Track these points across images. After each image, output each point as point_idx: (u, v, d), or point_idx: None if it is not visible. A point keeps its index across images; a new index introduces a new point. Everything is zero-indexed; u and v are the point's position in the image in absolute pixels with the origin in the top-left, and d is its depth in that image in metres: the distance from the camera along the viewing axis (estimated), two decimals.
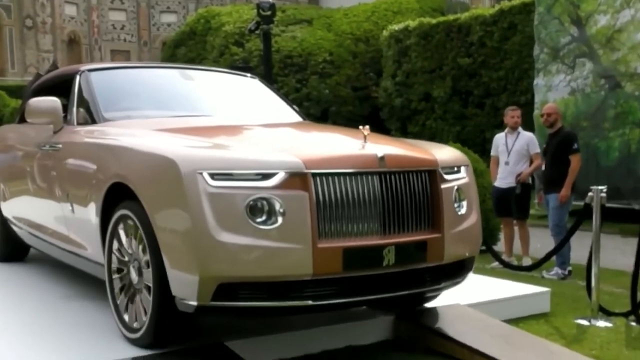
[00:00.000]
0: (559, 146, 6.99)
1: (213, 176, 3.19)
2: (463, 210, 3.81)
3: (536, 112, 11.13)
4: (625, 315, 4.87)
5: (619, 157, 10.30)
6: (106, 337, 3.78)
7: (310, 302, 3.28)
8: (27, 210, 5.28)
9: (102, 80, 4.83)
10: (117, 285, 3.77)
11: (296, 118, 5.21)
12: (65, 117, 4.73)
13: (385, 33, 17.37)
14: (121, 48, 35.52)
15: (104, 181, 3.82)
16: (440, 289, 3.85)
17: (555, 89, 11.28)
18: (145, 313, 3.51)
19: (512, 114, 7.64)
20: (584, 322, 4.81)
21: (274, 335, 3.79)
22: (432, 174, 3.63)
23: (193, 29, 22.12)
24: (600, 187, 5.06)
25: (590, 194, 5.05)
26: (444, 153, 3.98)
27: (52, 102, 4.61)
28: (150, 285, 3.44)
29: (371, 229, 3.38)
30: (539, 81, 11.68)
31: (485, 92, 14.80)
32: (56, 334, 3.88)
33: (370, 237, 3.37)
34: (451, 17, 16.17)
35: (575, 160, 6.84)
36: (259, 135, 4.20)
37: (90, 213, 4.01)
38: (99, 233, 3.91)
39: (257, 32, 13.65)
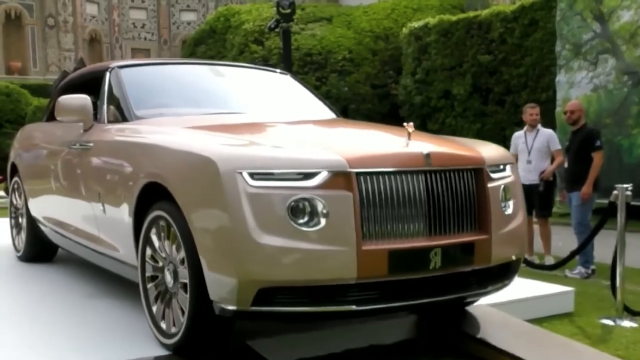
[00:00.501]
0: (581, 143, 6.93)
1: (253, 176, 3.08)
2: (510, 210, 3.67)
3: (558, 110, 11.05)
4: None
5: None
6: (127, 335, 3.80)
7: (354, 307, 3.16)
8: (56, 211, 5.22)
9: (132, 77, 4.74)
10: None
11: (330, 114, 5.10)
12: (95, 115, 4.66)
13: (404, 30, 17.28)
14: (141, 47, 35.74)
15: (137, 181, 3.72)
16: (487, 293, 3.70)
17: (577, 85, 11.18)
18: (183, 314, 3.40)
19: (530, 112, 7.60)
20: (609, 322, 4.77)
21: (297, 334, 3.79)
22: (478, 173, 3.52)
23: (213, 27, 22.17)
24: (625, 185, 5.01)
25: (615, 192, 5.00)
26: (489, 151, 3.86)
27: (83, 99, 4.53)
28: (187, 285, 3.34)
29: (417, 230, 3.26)
30: (561, 78, 11.58)
31: (505, 90, 14.68)
32: (78, 332, 3.89)
33: (416, 239, 3.25)
34: (471, 13, 16.04)
35: (597, 158, 6.79)
36: (298, 133, 4.07)
37: (123, 213, 3.91)
38: (132, 234, 3.82)
39: (276, 30, 13.64)
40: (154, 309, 3.66)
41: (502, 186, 3.65)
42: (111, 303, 4.50)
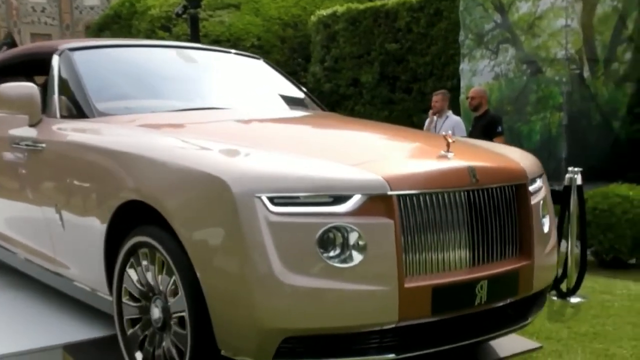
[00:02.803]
0: (484, 129, 7.23)
1: (273, 200, 2.53)
2: (547, 228, 3.24)
3: (462, 97, 11.39)
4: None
5: (540, 140, 10.66)
6: (34, 325, 3.71)
7: (392, 356, 2.67)
8: None
9: (89, 62, 4.00)
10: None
11: (316, 109, 4.55)
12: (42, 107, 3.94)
13: (313, 18, 17.37)
14: (42, 32, 34.40)
15: (112, 197, 3.08)
16: (526, 325, 3.23)
17: (480, 73, 11.55)
18: (181, 356, 2.80)
19: (434, 99, 7.96)
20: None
21: None
22: (521, 189, 3.06)
23: (118, 12, 21.58)
24: (576, 169, 5.18)
25: (567, 175, 5.17)
26: (525, 160, 3.39)
27: (29, 89, 3.79)
28: (184, 319, 2.74)
29: (460, 260, 2.79)
30: (464, 66, 11.93)
31: (412, 78, 15.00)
32: None
33: (459, 271, 2.78)
34: (378, 2, 16.28)
35: (499, 143, 7.07)
36: (314, 140, 3.44)
37: (90, 235, 3.25)
38: (102, 261, 3.18)
39: (184, 16, 13.48)
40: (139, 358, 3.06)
41: (541, 202, 3.23)
42: (16, 295, 4.37)
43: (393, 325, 2.61)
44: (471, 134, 7.46)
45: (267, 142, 3.19)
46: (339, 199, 2.57)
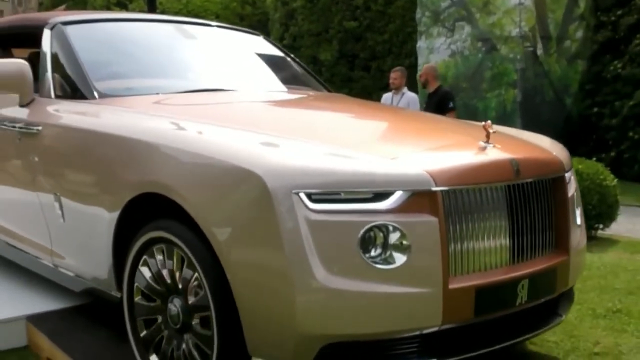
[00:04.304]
0: (436, 105, 7.43)
1: (310, 197, 2.32)
2: (579, 220, 3.10)
3: (419, 74, 11.57)
4: None
5: (496, 117, 10.87)
6: (0, 297, 3.71)
7: None
8: None
9: (85, 38, 3.70)
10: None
11: (322, 89, 4.38)
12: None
13: None
14: None
15: (124, 189, 2.83)
16: (560, 322, 3.05)
17: (436, 51, 11.72)
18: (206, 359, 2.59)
19: (392, 75, 8.12)
20: None
21: None
22: (558, 181, 2.91)
23: None
24: None
25: None
26: (559, 150, 3.19)
27: (19, 65, 3.49)
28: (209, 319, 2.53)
29: (500, 258, 2.62)
30: (421, 44, 12.09)
31: (371, 55, 15.12)
32: None
33: (500, 270, 2.61)
34: None
35: (450, 118, 7.28)
36: (344, 129, 3.19)
37: (97, 227, 2.99)
38: (110, 256, 2.94)
39: None
40: None
41: (575, 194, 3.10)
42: None
43: (437, 329, 2.44)
44: (425, 110, 7.64)
45: (297, 131, 2.94)
46: (379, 196, 2.37)
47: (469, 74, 11.29)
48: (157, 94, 3.48)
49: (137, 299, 2.82)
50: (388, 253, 2.36)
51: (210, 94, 3.58)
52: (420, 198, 2.39)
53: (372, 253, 2.35)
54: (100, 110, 3.29)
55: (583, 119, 11.31)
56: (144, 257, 2.76)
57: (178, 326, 2.65)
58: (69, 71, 3.55)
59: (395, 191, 2.37)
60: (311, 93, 4.17)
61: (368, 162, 2.49)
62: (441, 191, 2.42)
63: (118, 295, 2.94)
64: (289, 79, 4.33)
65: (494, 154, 2.68)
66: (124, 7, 18.92)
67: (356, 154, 2.56)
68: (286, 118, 3.40)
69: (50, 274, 3.53)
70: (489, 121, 2.79)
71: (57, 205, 3.26)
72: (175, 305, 2.65)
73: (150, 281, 2.75)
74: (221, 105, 3.42)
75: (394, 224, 2.34)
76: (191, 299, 2.59)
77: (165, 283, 2.70)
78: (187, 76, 3.85)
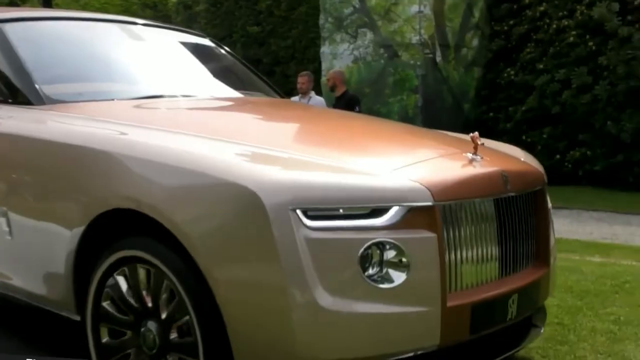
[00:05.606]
0: (343, 109, 7.63)
1: (307, 213, 2.20)
2: (551, 230, 3.08)
3: (323, 79, 11.73)
4: None
5: (399, 121, 11.20)
6: None
7: None
8: None
9: (26, 38, 3.39)
10: None
11: (275, 96, 4.21)
12: None
13: None
14: None
15: (90, 204, 2.59)
16: (539, 335, 3.01)
17: (340, 57, 11.94)
18: None
19: (299, 80, 8.32)
20: None
21: None
22: (540, 193, 2.91)
23: None
24: None
25: None
26: (535, 162, 3.22)
27: None
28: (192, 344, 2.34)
29: (490, 273, 2.56)
30: (324, 49, 12.27)
31: (274, 60, 15.20)
32: None
33: (491, 285, 2.55)
34: None
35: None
36: (332, 140, 3.03)
37: (53, 245, 2.74)
38: (69, 277, 2.67)
39: None
40: None
41: (551, 205, 3.08)
42: None
43: (435, 349, 2.35)
44: None
45: (281, 142, 2.80)
46: (376, 212, 2.26)
47: (371, 80, 11.56)
48: (113, 100, 3.24)
49: (103, 324, 2.60)
50: (387, 271, 2.26)
51: (171, 100, 3.36)
52: (417, 214, 2.30)
53: (371, 271, 2.24)
54: (54, 118, 2.99)
55: (480, 123, 11.79)
56: (114, 277, 2.53)
57: (154, 351, 2.46)
58: (8, 75, 3.25)
59: (391, 206, 2.27)
60: (268, 99, 4.04)
61: (366, 176, 2.38)
62: (440, 206, 2.34)
63: (77, 318, 2.70)
64: (246, 85, 4.19)
65: (485, 166, 2.65)
66: (16, 6, 18.19)
67: (352, 167, 2.46)
68: (270, 128, 3.25)
69: None
70: (476, 132, 2.76)
71: (3, 220, 2.97)
72: (150, 330, 2.46)
73: (120, 303, 2.53)
74: (194, 111, 3.23)
75: (393, 241, 2.24)
76: (170, 322, 2.41)
77: (141, 304, 2.49)
78: (142, 80, 3.58)
